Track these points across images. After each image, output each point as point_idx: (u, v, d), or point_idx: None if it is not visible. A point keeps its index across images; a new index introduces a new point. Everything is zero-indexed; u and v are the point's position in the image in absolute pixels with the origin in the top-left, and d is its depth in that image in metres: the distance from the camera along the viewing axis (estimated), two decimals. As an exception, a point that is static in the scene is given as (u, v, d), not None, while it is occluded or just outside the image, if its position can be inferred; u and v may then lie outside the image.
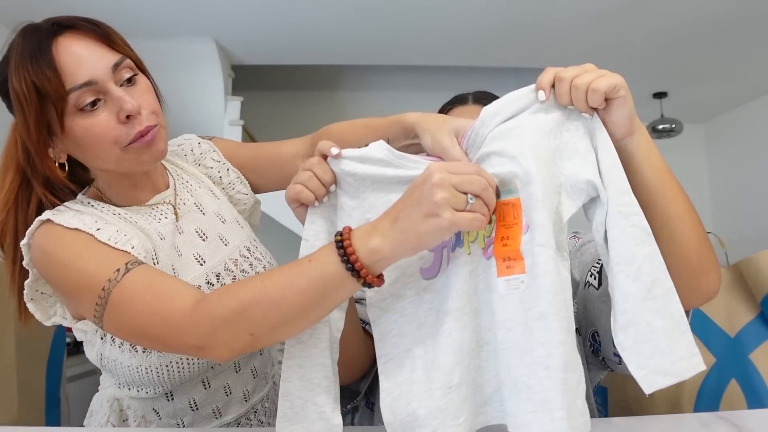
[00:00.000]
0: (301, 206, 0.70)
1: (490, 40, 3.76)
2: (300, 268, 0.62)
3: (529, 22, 3.51)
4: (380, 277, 0.62)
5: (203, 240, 0.87)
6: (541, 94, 0.65)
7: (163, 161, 0.88)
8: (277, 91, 5.26)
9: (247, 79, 4.51)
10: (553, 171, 0.64)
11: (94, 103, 0.73)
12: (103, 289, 0.69)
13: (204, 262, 0.86)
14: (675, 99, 4.85)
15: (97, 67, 0.73)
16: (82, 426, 0.88)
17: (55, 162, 0.79)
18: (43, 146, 0.76)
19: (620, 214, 0.63)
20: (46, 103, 0.72)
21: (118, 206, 0.83)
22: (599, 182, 0.64)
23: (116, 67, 0.75)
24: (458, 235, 0.66)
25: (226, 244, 0.89)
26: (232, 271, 0.88)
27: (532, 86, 0.67)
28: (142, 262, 0.72)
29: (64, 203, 0.80)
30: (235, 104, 4.10)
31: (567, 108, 0.66)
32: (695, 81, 4.50)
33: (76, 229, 0.74)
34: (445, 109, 0.97)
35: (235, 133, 4.01)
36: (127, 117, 0.74)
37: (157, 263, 0.80)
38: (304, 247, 0.69)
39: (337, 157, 0.67)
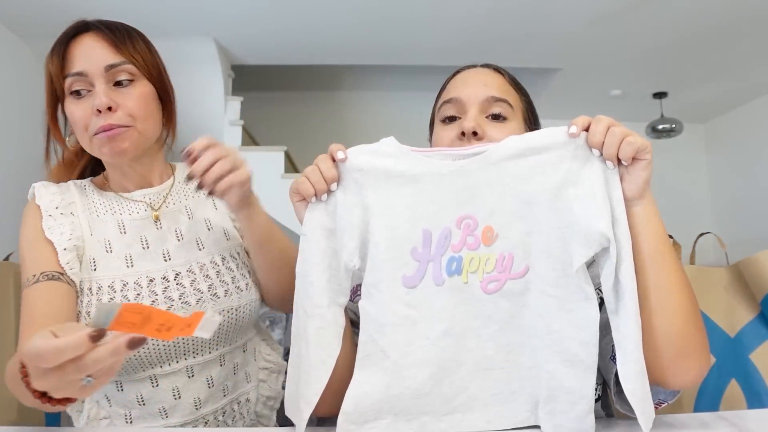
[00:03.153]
0: (301, 200, 0.74)
1: (491, 40, 3.76)
2: None
3: (530, 22, 3.51)
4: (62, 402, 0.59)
5: (178, 240, 0.91)
6: (574, 128, 0.67)
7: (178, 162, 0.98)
8: (277, 91, 5.26)
9: (247, 79, 4.51)
10: (569, 218, 0.67)
11: (81, 93, 0.85)
12: (24, 282, 0.83)
13: (169, 258, 0.89)
14: (675, 99, 4.85)
15: (92, 63, 0.85)
16: (81, 426, 0.88)
17: (62, 135, 0.92)
18: (52, 114, 0.90)
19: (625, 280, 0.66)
20: (52, 82, 0.86)
21: (113, 191, 0.93)
22: (611, 234, 0.65)
23: (111, 67, 0.85)
24: (459, 262, 0.71)
25: (200, 249, 0.92)
26: (194, 274, 0.89)
27: (563, 128, 0.68)
28: (51, 278, 0.82)
29: (59, 183, 0.94)
30: (235, 104, 4.10)
31: (591, 156, 0.68)
32: (695, 81, 4.50)
33: (36, 210, 0.88)
34: (450, 76, 0.94)
35: (235, 133, 4.01)
36: (100, 111, 0.83)
37: (112, 252, 0.89)
38: (303, 241, 0.73)
39: (342, 161, 0.72)
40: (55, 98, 0.88)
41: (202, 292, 0.88)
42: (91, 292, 0.86)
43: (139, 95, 0.86)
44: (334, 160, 0.72)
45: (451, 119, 0.87)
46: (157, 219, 0.92)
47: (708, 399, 1.02)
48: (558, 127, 0.69)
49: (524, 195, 0.69)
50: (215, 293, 0.89)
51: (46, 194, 0.89)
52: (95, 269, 0.87)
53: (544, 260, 0.68)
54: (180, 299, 0.87)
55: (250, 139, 4.44)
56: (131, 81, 0.86)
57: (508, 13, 3.42)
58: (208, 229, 0.94)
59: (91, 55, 0.85)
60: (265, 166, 3.90)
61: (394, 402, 0.68)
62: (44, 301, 0.80)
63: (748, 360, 1.01)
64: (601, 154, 0.67)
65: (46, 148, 0.93)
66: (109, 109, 0.82)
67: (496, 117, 0.84)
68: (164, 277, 0.87)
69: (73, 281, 0.84)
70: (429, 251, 0.71)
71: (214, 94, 3.99)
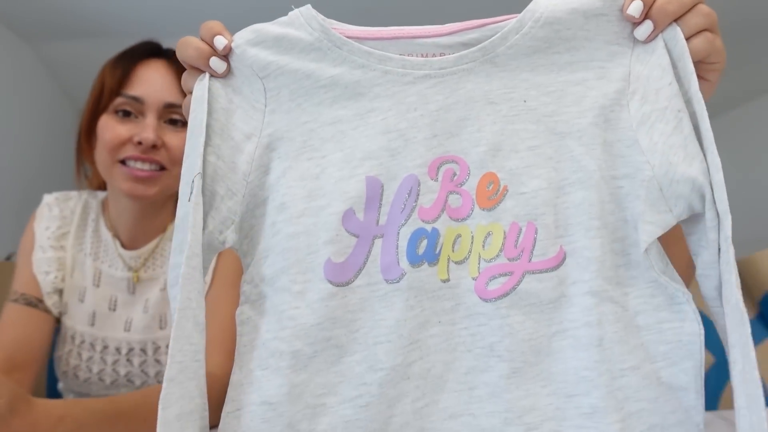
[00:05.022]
0: None
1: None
2: None
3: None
4: None
5: (144, 312, 0.87)
6: (636, 4, 0.39)
7: None
8: (277, 91, 5.26)
9: (247, 79, 4.51)
10: (633, 160, 0.40)
11: (127, 114, 0.80)
12: (11, 290, 0.84)
13: (129, 330, 0.87)
14: (675, 99, 4.85)
15: (153, 92, 0.80)
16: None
17: (90, 146, 0.86)
18: (89, 128, 0.84)
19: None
20: (101, 93, 0.81)
21: (109, 230, 0.89)
22: (708, 186, 0.38)
23: (170, 106, 0.80)
24: (433, 239, 0.41)
25: (161, 328, 0.88)
26: (147, 354, 0.87)
27: None
28: (29, 303, 0.83)
29: (69, 193, 0.92)
30: (235, 104, 4.10)
31: (657, 48, 0.40)
32: (695, 81, 4.50)
33: (33, 233, 0.86)
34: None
35: (235, 133, 4.00)
36: (139, 143, 0.78)
37: (83, 302, 0.87)
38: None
39: (225, 51, 0.45)
40: (98, 110, 0.82)
41: (149, 376, 0.87)
42: (65, 338, 0.88)
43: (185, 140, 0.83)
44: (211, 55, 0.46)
45: None
46: (134, 281, 0.87)
47: (707, 398, 1.02)
48: None
49: (552, 119, 0.41)
50: (160, 381, 0.87)
51: (47, 218, 0.88)
52: (65, 313, 0.88)
53: (595, 236, 0.39)
54: (125, 376, 0.86)
55: (250, 139, 4.43)
56: (184, 124, 0.82)
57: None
58: None
59: (156, 85, 0.80)
60: (265, 166, 3.91)
61: None
62: (17, 326, 0.82)
63: (747, 360, 1.01)
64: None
65: (77, 164, 0.89)
66: (154, 146, 0.79)
67: None
68: (118, 349, 0.86)
69: (51, 311, 0.86)
70: (376, 218, 0.41)
71: (214, 94, 3.99)
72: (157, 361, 0.87)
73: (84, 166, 0.90)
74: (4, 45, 3.14)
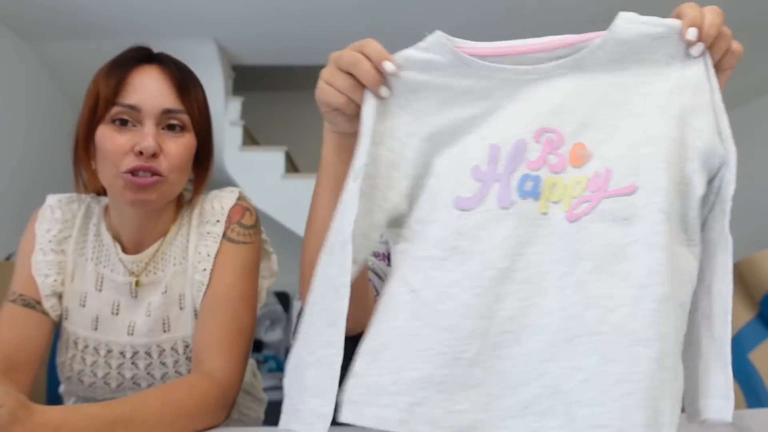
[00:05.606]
0: (334, 110, 0.62)
1: (490, 40, 3.77)
2: None
3: (530, 22, 3.51)
4: None
5: (147, 316, 0.86)
6: (692, 33, 0.53)
7: (194, 228, 0.89)
8: (277, 91, 5.26)
9: (247, 79, 4.51)
10: (685, 133, 0.54)
11: (125, 122, 0.79)
12: (9, 291, 0.84)
13: (133, 333, 0.86)
14: (675, 99, 4.85)
15: (150, 100, 0.79)
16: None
17: (87, 155, 0.85)
18: (86, 139, 0.83)
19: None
20: (96, 103, 0.80)
21: (110, 232, 0.88)
22: (731, 160, 0.54)
23: (167, 112, 0.80)
24: (536, 182, 0.55)
25: (165, 331, 0.87)
26: (152, 357, 0.86)
27: (672, 24, 0.55)
28: (26, 304, 0.83)
29: (68, 196, 0.91)
30: (236, 104, 4.11)
31: (698, 59, 0.55)
32: (695, 81, 4.50)
33: (33, 234, 0.86)
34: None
35: (236, 134, 4.01)
36: (140, 152, 0.77)
37: (84, 306, 0.86)
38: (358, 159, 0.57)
39: (394, 74, 0.57)
40: (94, 121, 0.81)
41: (155, 378, 0.86)
42: (67, 343, 0.87)
43: (185, 146, 0.82)
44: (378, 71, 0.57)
45: None
46: (134, 285, 0.87)
47: (737, 358, 1.03)
48: (662, 22, 0.55)
49: (627, 107, 0.56)
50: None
51: (48, 220, 0.87)
52: (66, 318, 0.87)
53: (663, 174, 0.52)
54: (132, 379, 0.86)
55: (250, 139, 4.44)
56: (182, 129, 0.82)
57: (507, 13, 3.43)
58: (180, 308, 0.87)
59: (151, 92, 0.79)
60: (265, 167, 3.91)
61: (421, 362, 0.52)
62: (15, 326, 0.81)
63: (747, 360, 1.01)
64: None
65: (75, 174, 0.88)
66: (153, 154, 0.78)
67: None
68: (122, 353, 0.86)
69: (49, 314, 0.85)
70: (495, 168, 0.57)
71: (214, 95, 4.00)
72: (163, 364, 0.87)
73: (81, 174, 0.88)
74: (4, 45, 3.14)
